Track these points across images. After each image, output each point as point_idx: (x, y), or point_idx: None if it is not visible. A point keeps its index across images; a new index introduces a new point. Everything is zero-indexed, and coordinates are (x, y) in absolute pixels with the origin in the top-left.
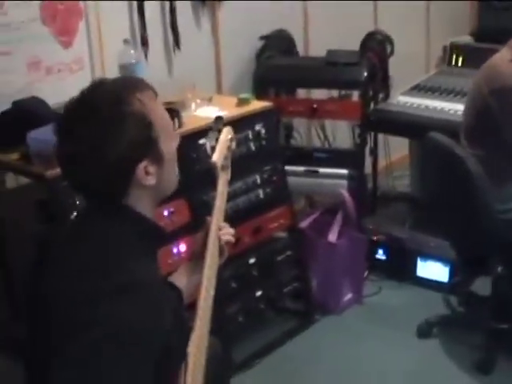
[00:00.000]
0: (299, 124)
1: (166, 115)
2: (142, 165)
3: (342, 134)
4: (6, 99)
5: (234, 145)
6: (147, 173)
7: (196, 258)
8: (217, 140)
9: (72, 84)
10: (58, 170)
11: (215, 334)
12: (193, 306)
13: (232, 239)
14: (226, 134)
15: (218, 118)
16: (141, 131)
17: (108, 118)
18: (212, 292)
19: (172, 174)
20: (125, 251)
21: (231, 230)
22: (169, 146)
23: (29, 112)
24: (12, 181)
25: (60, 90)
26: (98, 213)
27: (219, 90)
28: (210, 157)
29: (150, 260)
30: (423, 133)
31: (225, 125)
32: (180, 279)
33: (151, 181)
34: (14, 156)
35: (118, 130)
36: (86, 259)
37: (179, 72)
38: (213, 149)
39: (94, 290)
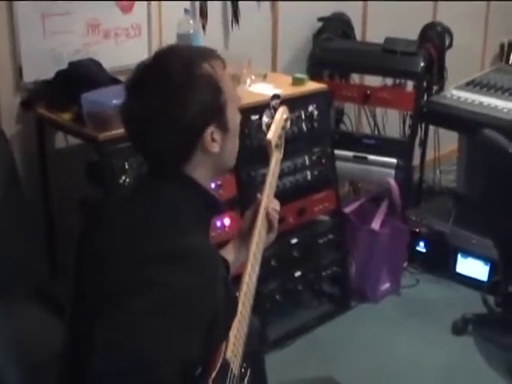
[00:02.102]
0: (349, 109)
1: (234, 87)
2: (210, 129)
3: (391, 122)
4: (62, 59)
5: (288, 124)
6: (213, 139)
7: (244, 234)
8: (272, 118)
9: (128, 49)
10: (110, 133)
11: (252, 310)
12: (237, 281)
13: (275, 216)
14: (282, 113)
15: (275, 96)
16: (211, 94)
17: (180, 80)
18: (257, 268)
19: (234, 147)
20: (182, 218)
21: (277, 207)
22: (234, 116)
23: (84, 73)
24: (61, 141)
25: (116, 54)
26: (157, 178)
27: (274, 67)
28: (264, 134)
29: (204, 230)
30: (475, 129)
31: (281, 103)
32: (228, 255)
33: (215, 148)
34: (66, 116)
35: (189, 92)
36: (141, 222)
37: (235, 47)
38: (268, 126)
39: (148, 253)
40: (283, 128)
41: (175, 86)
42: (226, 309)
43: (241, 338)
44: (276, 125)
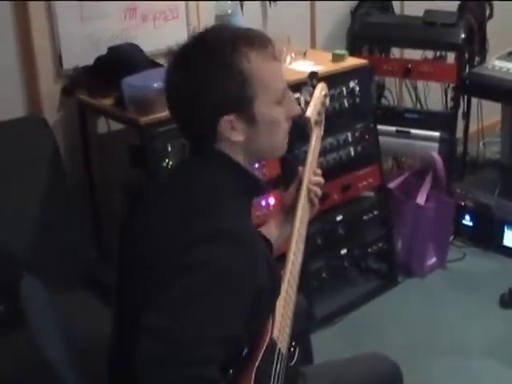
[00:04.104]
0: (390, 84)
1: (278, 80)
2: (228, 118)
3: (433, 95)
4: (101, 44)
5: (328, 101)
6: (233, 128)
7: (287, 210)
8: (311, 95)
9: (166, 32)
10: (152, 117)
11: (298, 289)
12: (282, 258)
13: (318, 191)
14: (321, 89)
15: (313, 74)
16: (232, 85)
17: (210, 62)
18: (302, 246)
19: (268, 138)
20: (221, 198)
21: (320, 181)
22: (268, 109)
23: (124, 58)
24: (103, 126)
25: (154, 37)
26: (196, 158)
27: (313, 44)
28: (303, 111)
29: (246, 209)
30: None
31: (320, 80)
32: (270, 232)
33: (237, 137)
34: (107, 101)
35: (213, 76)
36: (180, 203)
37: (274, 25)
38: (306, 104)
39: (189, 236)
40: (323, 104)
41: (200, 68)
42: (269, 288)
43: (288, 317)
44: (315, 102)
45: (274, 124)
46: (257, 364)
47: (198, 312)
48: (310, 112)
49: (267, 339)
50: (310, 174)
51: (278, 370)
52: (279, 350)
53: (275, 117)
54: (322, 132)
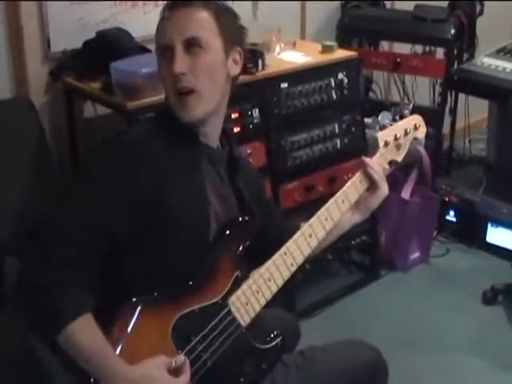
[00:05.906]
0: (378, 77)
1: (162, 35)
2: None
3: (421, 90)
4: (90, 29)
5: (421, 133)
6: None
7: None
8: (394, 121)
9: (156, 18)
10: (139, 102)
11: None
12: None
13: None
14: (411, 120)
15: (406, 105)
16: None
17: None
18: (321, 233)
19: (163, 81)
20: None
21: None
22: (159, 56)
23: (113, 42)
24: (90, 111)
25: (143, 23)
26: None
27: (303, 35)
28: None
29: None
30: (506, 96)
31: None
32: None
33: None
34: (95, 85)
35: None
36: None
37: (264, 15)
38: (382, 127)
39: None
40: (407, 133)
41: None
42: (184, 212)
43: (261, 295)
44: (394, 127)
45: (159, 70)
46: (185, 311)
47: (68, 200)
48: (382, 133)
49: (213, 298)
50: (360, 187)
51: (215, 330)
52: (228, 313)
53: (159, 65)
54: (401, 158)
